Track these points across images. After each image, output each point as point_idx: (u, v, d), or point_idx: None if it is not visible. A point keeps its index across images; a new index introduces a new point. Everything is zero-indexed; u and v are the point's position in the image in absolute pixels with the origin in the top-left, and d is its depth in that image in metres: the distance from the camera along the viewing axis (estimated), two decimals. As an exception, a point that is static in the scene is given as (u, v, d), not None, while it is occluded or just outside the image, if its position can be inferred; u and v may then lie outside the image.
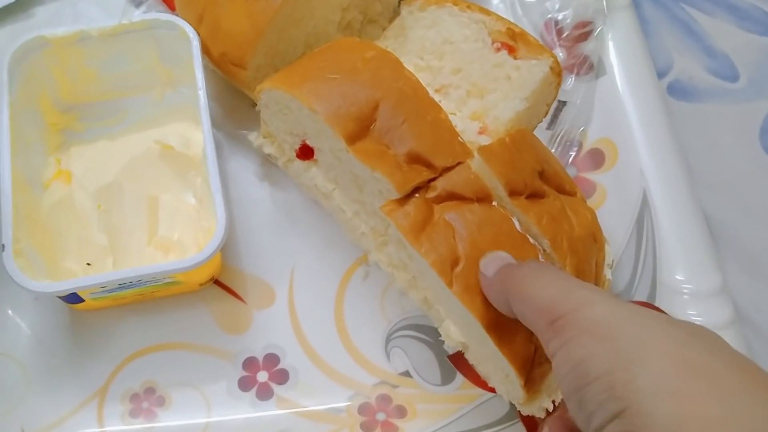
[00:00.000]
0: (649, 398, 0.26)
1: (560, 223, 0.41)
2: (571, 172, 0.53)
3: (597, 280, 0.42)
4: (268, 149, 0.49)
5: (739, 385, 0.26)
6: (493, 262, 0.37)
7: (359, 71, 0.43)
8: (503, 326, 0.37)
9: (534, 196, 0.41)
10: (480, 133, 0.46)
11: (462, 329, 0.42)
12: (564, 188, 0.43)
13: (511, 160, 0.41)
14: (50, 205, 0.48)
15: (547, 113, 0.51)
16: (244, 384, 0.46)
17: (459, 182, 0.40)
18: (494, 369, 0.41)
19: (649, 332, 0.27)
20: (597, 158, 0.53)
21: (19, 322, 0.47)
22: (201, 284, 0.48)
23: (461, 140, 0.42)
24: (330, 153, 0.44)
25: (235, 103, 0.54)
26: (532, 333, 0.34)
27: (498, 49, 0.47)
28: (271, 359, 0.47)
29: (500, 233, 0.39)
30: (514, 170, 0.41)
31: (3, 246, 0.42)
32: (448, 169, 0.41)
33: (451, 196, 0.40)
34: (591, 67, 0.54)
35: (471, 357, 0.43)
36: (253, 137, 0.50)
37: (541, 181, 0.42)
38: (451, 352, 0.46)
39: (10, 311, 0.48)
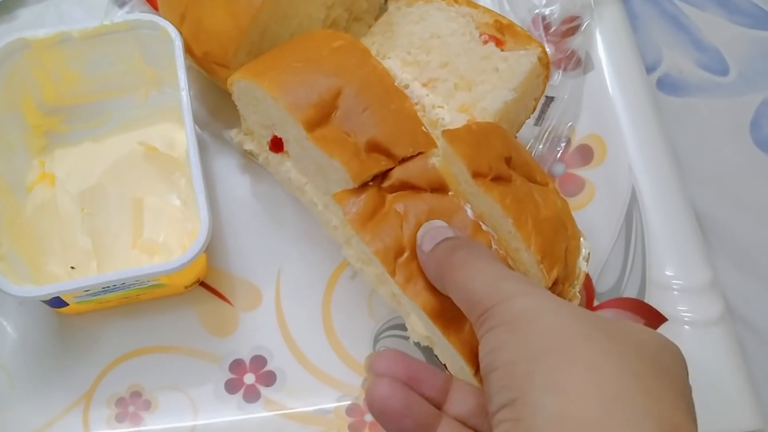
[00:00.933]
0: (539, 393, 0.27)
1: (525, 204, 0.40)
2: (559, 168, 0.52)
3: (567, 267, 0.41)
4: (249, 145, 0.49)
5: (626, 390, 0.26)
6: (429, 235, 0.37)
7: (324, 59, 0.43)
8: (449, 315, 0.37)
9: (499, 179, 0.40)
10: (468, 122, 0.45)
11: (422, 322, 0.41)
12: (534, 178, 0.43)
13: (476, 143, 0.41)
14: (33, 208, 0.48)
15: (534, 108, 0.50)
16: (231, 386, 0.46)
17: (415, 172, 0.40)
18: (451, 362, 0.40)
19: (557, 328, 0.29)
20: (585, 154, 0.52)
21: (5, 326, 0.47)
22: (186, 287, 0.48)
23: (425, 130, 0.42)
24: (296, 143, 0.44)
25: (219, 103, 0.53)
26: None
27: (485, 42, 0.47)
28: (258, 361, 0.47)
29: (450, 221, 0.39)
30: (479, 153, 0.40)
31: (-16, 251, 0.42)
32: (406, 159, 0.40)
33: (405, 186, 0.40)
34: (579, 62, 0.54)
35: (438, 354, 0.42)
36: (234, 133, 0.49)
37: (507, 167, 0.41)
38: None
39: (-5, 316, 0.47)
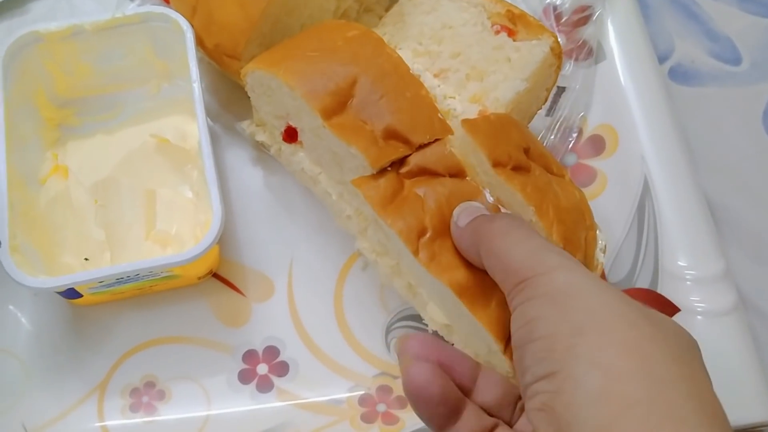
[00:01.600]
0: (582, 367, 0.27)
1: (545, 193, 0.40)
2: (571, 158, 0.52)
3: (586, 257, 0.41)
4: (261, 137, 0.49)
5: (669, 374, 0.27)
6: (466, 212, 0.37)
7: (339, 49, 0.43)
8: (476, 291, 0.37)
9: (519, 168, 0.41)
10: (480, 114, 0.45)
11: (443, 308, 0.41)
12: (551, 169, 0.43)
13: (495, 133, 0.41)
14: (47, 200, 0.48)
15: (546, 99, 0.50)
16: (244, 377, 0.46)
17: (432, 158, 0.40)
18: (477, 344, 0.40)
19: (601, 307, 0.28)
20: (597, 144, 0.52)
21: (19, 317, 0.47)
22: (199, 278, 0.48)
23: (441, 117, 0.42)
24: (311, 132, 0.44)
25: (231, 96, 0.53)
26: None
27: (498, 32, 0.47)
28: (271, 352, 0.47)
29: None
30: (498, 142, 0.41)
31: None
32: (424, 146, 0.40)
33: (423, 171, 0.40)
34: (590, 52, 0.54)
35: (457, 340, 0.42)
36: (246, 125, 0.49)
37: (526, 157, 0.42)
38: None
39: (10, 307, 0.48)
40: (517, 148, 0.41)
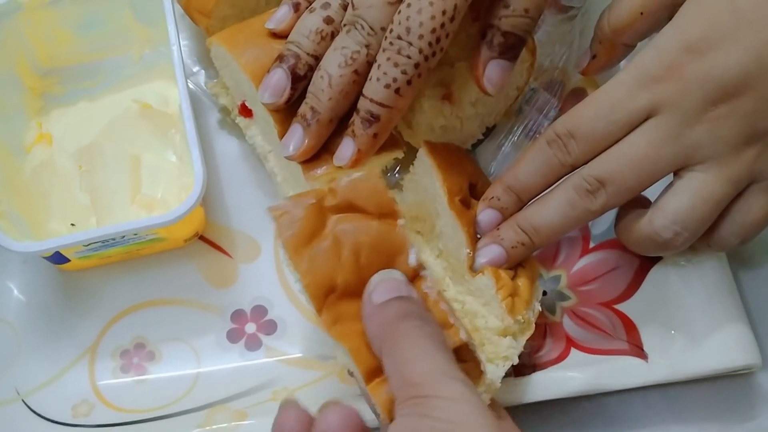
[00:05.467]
0: None
1: None
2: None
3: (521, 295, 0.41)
4: (223, 100, 0.50)
5: None
6: (383, 288, 0.35)
7: None
8: (375, 363, 0.34)
9: (465, 202, 0.41)
10: (443, 99, 0.46)
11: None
12: None
13: (452, 161, 0.42)
14: (32, 168, 0.49)
15: (515, 98, 0.50)
16: (233, 336, 0.47)
17: (363, 193, 0.36)
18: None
19: None
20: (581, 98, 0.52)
21: (9, 284, 0.48)
22: (186, 240, 0.48)
23: (395, 132, 0.42)
24: (264, 119, 0.44)
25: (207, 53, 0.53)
26: None
27: (474, 20, 0.47)
28: (259, 311, 0.47)
29: (391, 262, 0.36)
30: (454, 170, 0.41)
31: (-16, 209, 0.43)
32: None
33: (351, 208, 0.36)
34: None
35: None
36: (211, 85, 0.50)
37: (470, 194, 0.42)
38: None
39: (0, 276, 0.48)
40: (467, 182, 0.42)
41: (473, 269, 0.41)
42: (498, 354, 0.40)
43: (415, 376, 0.31)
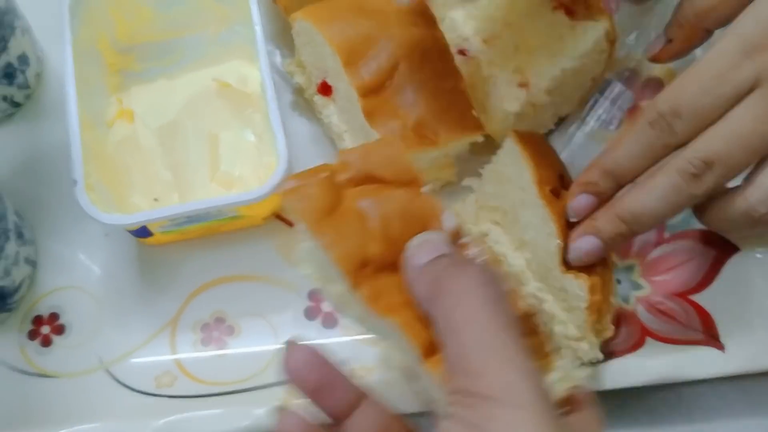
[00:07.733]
0: None
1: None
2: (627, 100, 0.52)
3: (605, 296, 0.40)
4: (299, 78, 0.50)
5: None
6: (425, 247, 0.30)
7: (391, 22, 0.43)
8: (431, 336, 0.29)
9: (555, 192, 0.40)
10: (520, 86, 0.46)
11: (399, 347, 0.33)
12: None
13: (540, 151, 0.41)
14: (115, 143, 0.50)
15: (591, 89, 0.50)
16: (310, 313, 0.48)
17: (380, 161, 0.33)
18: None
19: None
20: (657, 88, 0.52)
21: (92, 258, 0.49)
22: (264, 218, 0.49)
23: (474, 114, 0.42)
24: (344, 95, 0.45)
25: (289, 40, 0.54)
26: None
27: (555, 8, 0.47)
28: (335, 290, 0.48)
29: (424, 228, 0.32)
30: (542, 160, 0.41)
31: (75, 181, 0.43)
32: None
33: (369, 179, 0.33)
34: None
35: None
36: (286, 64, 0.50)
37: (560, 184, 0.42)
38: None
39: (81, 249, 0.49)
40: (556, 172, 0.42)
41: (565, 261, 0.40)
42: (575, 356, 0.40)
43: (472, 362, 0.26)
